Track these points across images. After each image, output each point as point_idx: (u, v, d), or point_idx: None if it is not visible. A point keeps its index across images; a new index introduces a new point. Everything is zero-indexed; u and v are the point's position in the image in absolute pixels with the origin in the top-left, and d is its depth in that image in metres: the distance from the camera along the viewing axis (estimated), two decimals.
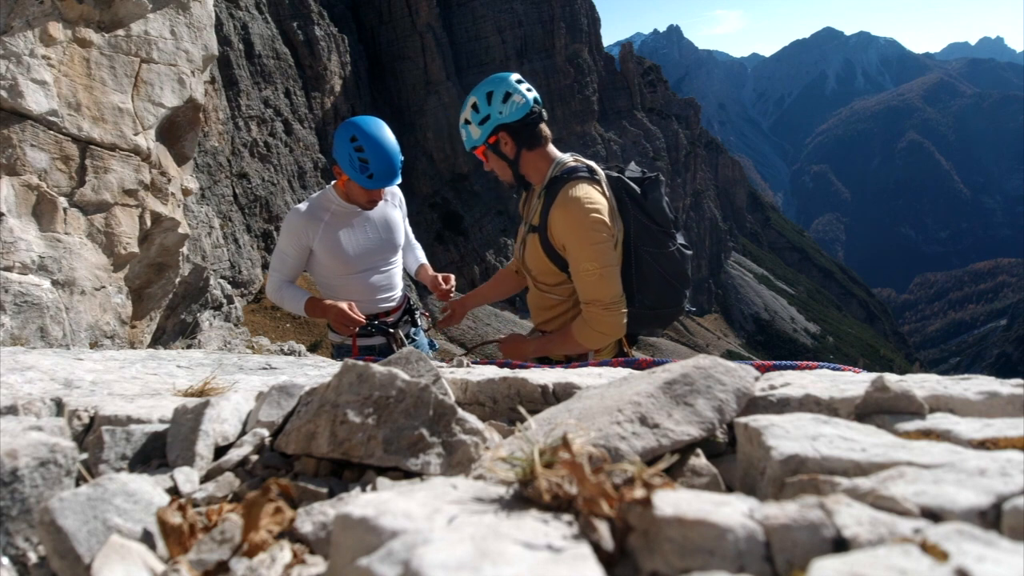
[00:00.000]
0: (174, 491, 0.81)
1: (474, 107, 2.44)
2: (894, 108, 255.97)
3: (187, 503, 0.70)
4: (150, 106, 3.93)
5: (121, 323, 3.83)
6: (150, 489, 0.74)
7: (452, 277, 3.17)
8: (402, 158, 2.86)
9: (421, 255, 3.45)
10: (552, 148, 2.51)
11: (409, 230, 3.35)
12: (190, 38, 4.18)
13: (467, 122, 2.48)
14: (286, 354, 8.08)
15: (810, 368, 1.36)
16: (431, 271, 3.29)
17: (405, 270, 3.36)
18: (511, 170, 2.50)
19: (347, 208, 2.95)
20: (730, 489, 0.75)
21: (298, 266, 2.98)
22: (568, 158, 2.50)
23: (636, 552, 0.52)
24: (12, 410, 1.02)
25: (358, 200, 2.92)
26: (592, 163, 2.51)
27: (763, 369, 1.37)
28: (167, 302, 4.81)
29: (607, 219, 2.33)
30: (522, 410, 0.86)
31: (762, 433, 0.70)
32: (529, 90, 2.43)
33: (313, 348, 21.30)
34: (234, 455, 0.89)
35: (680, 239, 2.52)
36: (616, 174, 2.49)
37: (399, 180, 2.88)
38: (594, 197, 2.33)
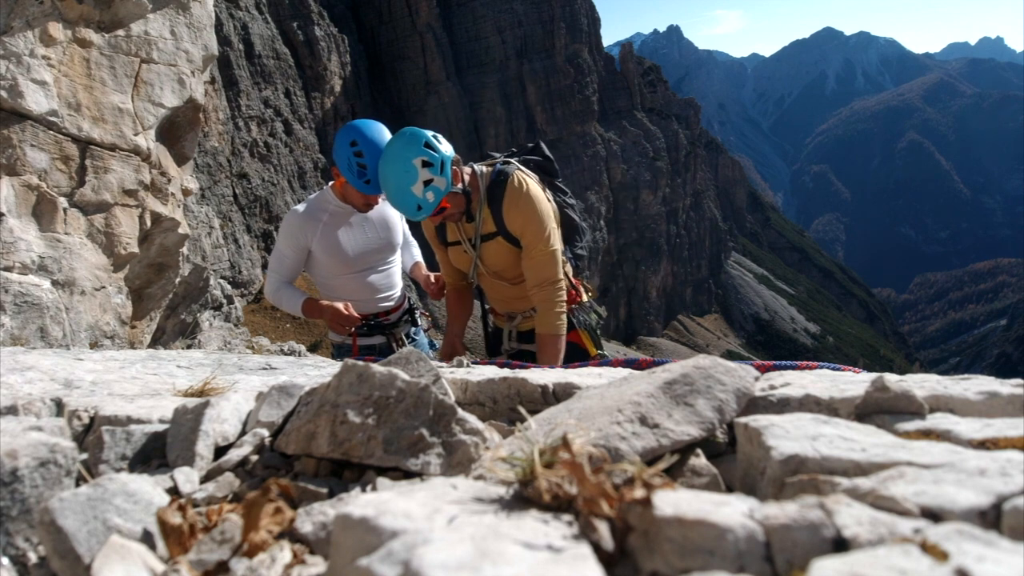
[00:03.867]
0: (174, 491, 0.81)
1: (425, 164, 2.44)
2: (894, 108, 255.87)
3: (187, 503, 0.70)
4: (150, 106, 3.93)
5: (121, 323, 3.83)
6: (150, 489, 0.74)
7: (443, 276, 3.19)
8: None
9: (417, 253, 3.47)
10: (462, 170, 2.70)
11: (406, 229, 3.35)
12: (190, 38, 4.18)
13: (428, 183, 2.45)
14: (286, 354, 8.08)
15: (810, 368, 1.36)
16: (424, 270, 3.30)
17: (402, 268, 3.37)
18: (465, 199, 2.63)
19: (345, 208, 2.95)
20: (730, 489, 0.75)
21: (296, 267, 2.99)
22: (480, 167, 2.71)
23: (636, 552, 0.52)
24: (12, 410, 1.02)
25: (355, 202, 2.92)
26: (493, 154, 2.82)
27: (763, 369, 1.37)
28: (167, 302, 4.81)
29: (549, 201, 2.67)
30: (522, 410, 0.86)
31: (762, 433, 0.70)
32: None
33: (313, 348, 21.28)
34: (234, 455, 0.89)
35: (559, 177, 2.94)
36: (514, 159, 2.77)
37: None
38: (532, 185, 2.62)
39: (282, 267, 2.97)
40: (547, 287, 2.60)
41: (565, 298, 2.64)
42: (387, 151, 2.52)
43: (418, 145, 2.45)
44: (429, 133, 2.51)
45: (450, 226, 2.80)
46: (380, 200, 3.02)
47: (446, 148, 2.52)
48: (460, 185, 2.61)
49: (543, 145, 2.91)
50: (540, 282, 2.60)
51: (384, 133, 2.83)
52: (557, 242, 2.62)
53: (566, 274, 2.74)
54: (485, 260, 2.74)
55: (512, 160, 2.72)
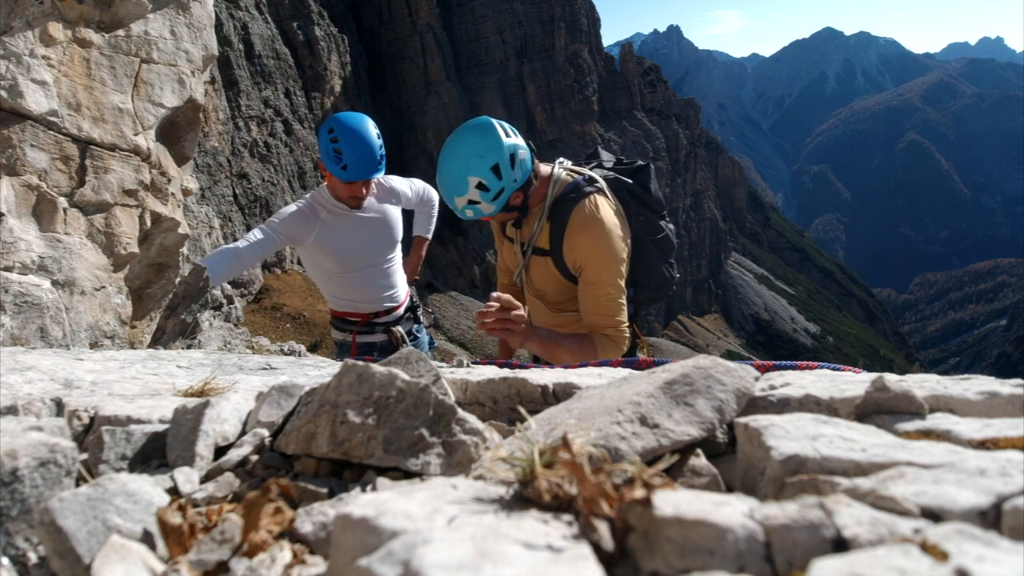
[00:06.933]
0: (174, 491, 0.81)
1: (480, 187, 2.16)
2: (894, 108, 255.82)
3: (187, 503, 0.70)
4: (150, 106, 3.93)
5: (121, 323, 3.82)
6: (150, 489, 0.74)
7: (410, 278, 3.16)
8: (383, 152, 2.78)
9: (427, 224, 3.45)
10: (541, 166, 2.40)
11: (427, 190, 3.33)
12: (190, 38, 4.18)
13: (473, 203, 2.19)
14: (286, 354, 8.07)
15: (810, 368, 1.35)
16: (413, 260, 3.30)
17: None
18: (518, 214, 2.36)
19: (340, 207, 2.94)
20: (730, 489, 0.75)
21: (269, 250, 2.83)
22: (560, 172, 2.39)
23: (636, 552, 0.52)
24: (12, 410, 1.02)
25: (341, 196, 2.88)
26: (584, 170, 2.44)
27: (763, 369, 1.37)
28: (167, 302, 4.81)
29: (624, 235, 2.31)
30: (522, 410, 0.86)
31: (762, 433, 0.70)
32: (516, 132, 2.22)
33: (313, 348, 21.29)
34: (234, 455, 0.89)
35: (666, 217, 2.53)
36: (612, 175, 2.44)
37: (379, 173, 2.81)
38: (609, 215, 2.27)
39: (256, 243, 2.77)
40: (608, 330, 2.27)
41: (626, 346, 2.30)
42: (457, 140, 2.19)
43: (484, 165, 2.13)
44: (508, 148, 2.16)
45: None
46: (367, 194, 3.00)
47: (519, 174, 2.19)
48: (517, 203, 2.29)
49: (652, 172, 2.47)
50: (600, 325, 2.27)
51: (364, 121, 2.75)
52: (624, 283, 2.30)
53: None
54: (530, 273, 2.49)
55: (600, 179, 2.36)
